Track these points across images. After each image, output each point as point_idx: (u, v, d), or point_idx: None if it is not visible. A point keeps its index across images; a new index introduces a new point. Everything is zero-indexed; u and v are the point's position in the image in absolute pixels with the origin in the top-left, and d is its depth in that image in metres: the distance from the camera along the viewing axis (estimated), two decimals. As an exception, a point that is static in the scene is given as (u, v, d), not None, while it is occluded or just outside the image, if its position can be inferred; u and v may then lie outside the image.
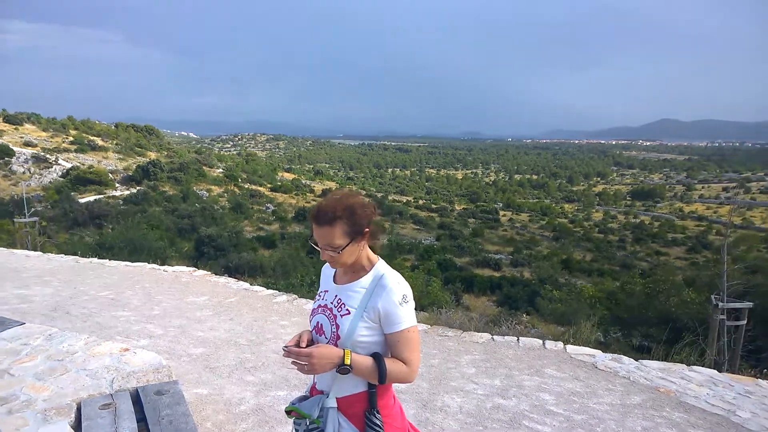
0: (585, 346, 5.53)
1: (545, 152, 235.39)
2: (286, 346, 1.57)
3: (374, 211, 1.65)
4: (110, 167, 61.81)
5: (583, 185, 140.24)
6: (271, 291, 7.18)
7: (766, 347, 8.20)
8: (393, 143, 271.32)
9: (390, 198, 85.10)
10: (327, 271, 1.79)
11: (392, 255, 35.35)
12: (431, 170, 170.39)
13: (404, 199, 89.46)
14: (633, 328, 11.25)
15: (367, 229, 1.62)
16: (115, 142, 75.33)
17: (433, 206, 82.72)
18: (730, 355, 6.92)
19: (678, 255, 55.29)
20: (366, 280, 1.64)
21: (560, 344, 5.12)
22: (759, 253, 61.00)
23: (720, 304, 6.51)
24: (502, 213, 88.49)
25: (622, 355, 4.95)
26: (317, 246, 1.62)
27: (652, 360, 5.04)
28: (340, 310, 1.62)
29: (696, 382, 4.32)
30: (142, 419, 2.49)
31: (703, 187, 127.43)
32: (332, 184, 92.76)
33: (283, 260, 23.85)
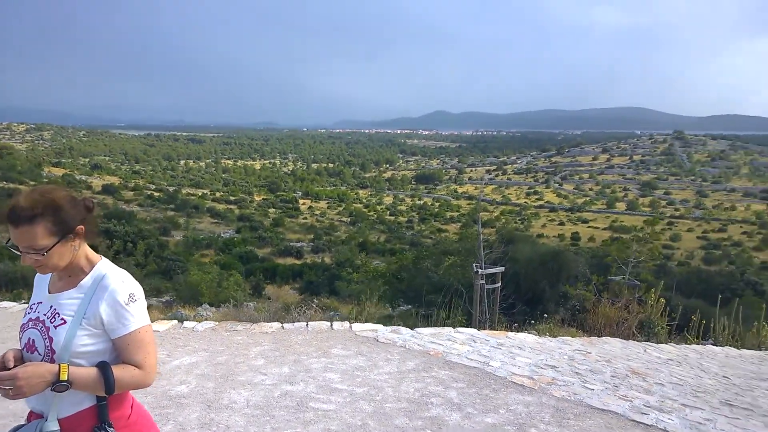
0: (370, 323, 5.91)
1: (339, 141, 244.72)
2: None
3: (90, 206, 1.48)
4: None
5: (374, 172, 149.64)
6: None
7: (517, 304, 9.78)
8: (185, 134, 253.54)
9: (184, 191, 79.57)
10: (41, 280, 1.55)
11: (188, 251, 33.25)
12: (228, 161, 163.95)
13: (200, 192, 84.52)
14: (417, 299, 12.43)
15: (80, 227, 1.44)
16: None
17: (232, 198, 79.88)
18: (490, 314, 8.10)
19: (455, 231, 62.62)
20: (85, 284, 1.47)
21: (347, 324, 5.37)
22: (515, 224, 72.39)
23: (479, 270, 7.54)
24: (301, 201, 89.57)
25: (400, 327, 5.40)
26: (17, 250, 1.39)
27: (427, 327, 5.62)
28: (53, 320, 1.42)
29: (459, 342, 4.93)
30: None
31: (471, 170, 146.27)
32: (115, 179, 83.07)
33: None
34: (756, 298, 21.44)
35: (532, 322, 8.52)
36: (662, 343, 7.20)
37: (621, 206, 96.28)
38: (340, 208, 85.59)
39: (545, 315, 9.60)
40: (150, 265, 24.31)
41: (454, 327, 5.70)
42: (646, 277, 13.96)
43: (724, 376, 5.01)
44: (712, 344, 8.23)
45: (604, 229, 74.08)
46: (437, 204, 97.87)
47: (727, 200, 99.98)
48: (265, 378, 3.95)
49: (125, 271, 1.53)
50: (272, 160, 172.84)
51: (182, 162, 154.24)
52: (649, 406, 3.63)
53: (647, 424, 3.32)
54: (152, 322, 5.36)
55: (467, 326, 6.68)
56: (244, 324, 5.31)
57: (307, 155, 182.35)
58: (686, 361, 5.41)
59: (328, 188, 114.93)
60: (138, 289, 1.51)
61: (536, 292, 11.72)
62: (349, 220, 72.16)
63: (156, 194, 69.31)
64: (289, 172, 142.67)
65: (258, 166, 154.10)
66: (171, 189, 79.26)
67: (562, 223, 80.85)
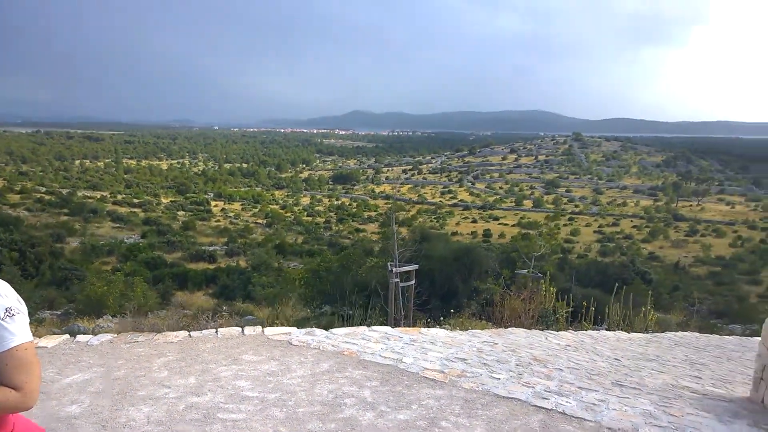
0: (285, 326, 5.80)
1: (254, 141, 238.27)
2: None
3: None
4: None
5: (290, 172, 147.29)
6: None
7: (432, 300, 10.03)
8: (80, 131, 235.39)
9: (80, 194, 73.89)
10: None
11: (87, 259, 30.99)
12: (130, 161, 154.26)
13: (98, 194, 78.81)
14: (336, 300, 12.42)
15: None
16: None
17: (136, 201, 75.28)
18: (406, 311, 8.24)
19: (373, 230, 63.14)
20: None
21: (259, 328, 5.23)
22: (431, 223, 74.22)
23: (394, 269, 7.65)
24: (213, 203, 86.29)
25: (315, 329, 5.35)
26: None
27: (342, 327, 5.61)
28: None
29: (374, 340, 4.96)
30: None
31: (388, 170, 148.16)
32: (-2, 182, 75.42)
33: None
34: (644, 286, 23.46)
35: (443, 318, 8.78)
36: (562, 330, 7.68)
37: (528, 204, 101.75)
38: (256, 210, 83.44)
39: (458, 309, 9.94)
40: (43, 275, 22.38)
41: (369, 326, 5.73)
42: (549, 269, 14.84)
43: (615, 359, 5.43)
44: (605, 329, 8.90)
45: (513, 225, 77.90)
46: (355, 204, 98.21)
47: (620, 197, 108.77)
48: (169, 391, 3.75)
49: (5, 283, 1.39)
50: (181, 160, 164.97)
51: (77, 162, 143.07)
52: (549, 391, 3.85)
53: (547, 408, 3.52)
54: (41, 337, 4.92)
55: (384, 325, 6.75)
56: (146, 335, 5.01)
57: (219, 155, 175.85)
58: (582, 347, 5.81)
59: (242, 189, 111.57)
60: (18, 303, 1.38)
61: (450, 287, 12.10)
62: (265, 221, 70.54)
63: (47, 197, 63.89)
64: (200, 172, 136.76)
65: (165, 166, 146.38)
66: (64, 191, 73.35)
67: (475, 221, 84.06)
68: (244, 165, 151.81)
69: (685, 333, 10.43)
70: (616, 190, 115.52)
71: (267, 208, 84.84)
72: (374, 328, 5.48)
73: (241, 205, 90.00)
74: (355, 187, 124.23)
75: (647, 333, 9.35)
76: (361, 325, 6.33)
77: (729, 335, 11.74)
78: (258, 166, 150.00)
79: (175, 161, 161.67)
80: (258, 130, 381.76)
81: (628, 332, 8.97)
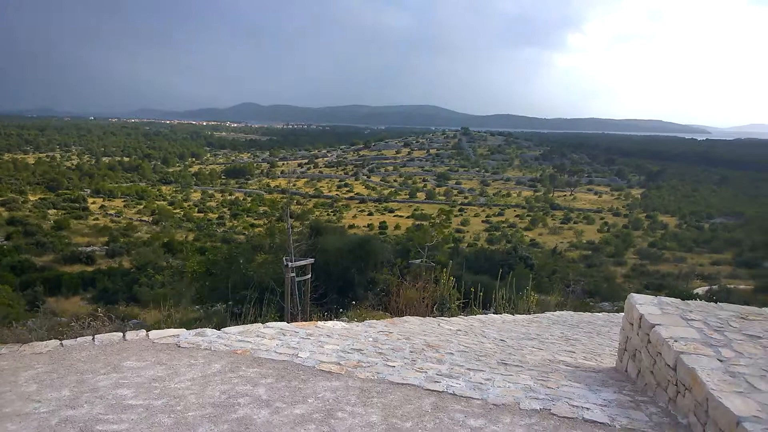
0: (173, 328, 5.49)
1: (135, 132, 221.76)
2: None
3: None
4: None
5: (179, 166, 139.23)
6: None
7: (329, 293, 10.04)
8: None
9: (-76, 193, 64.45)
10: None
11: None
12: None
13: (-51, 192, 69.25)
14: (229, 298, 11.98)
15: None
16: None
17: (-4, 199, 67.20)
18: (302, 306, 8.17)
19: (269, 225, 61.72)
20: None
21: (143, 332, 4.91)
22: (328, 216, 74.10)
23: (289, 264, 7.54)
24: (91, 200, 79.42)
25: (206, 329, 5.13)
26: None
27: (235, 326, 5.43)
28: None
29: (269, 337, 4.87)
30: None
31: (283, 164, 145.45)
32: None
33: None
34: (527, 270, 25.26)
35: (341, 310, 8.83)
36: (454, 316, 8.06)
37: (421, 196, 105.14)
38: (141, 207, 78.00)
39: (356, 301, 10.05)
40: None
41: (264, 323, 5.60)
42: (441, 258, 15.47)
43: (501, 340, 5.81)
44: (493, 313, 9.48)
45: (408, 217, 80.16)
46: (249, 198, 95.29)
47: (504, 188, 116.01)
48: (39, 405, 3.41)
49: None
50: (51, 153, 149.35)
51: None
52: (441, 375, 4.03)
53: (439, 391, 3.68)
54: None
55: (281, 321, 6.64)
56: (9, 346, 4.50)
57: (97, 148, 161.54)
58: (472, 330, 6.14)
59: (125, 185, 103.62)
60: None
61: (347, 279, 12.17)
62: (151, 219, 66.20)
63: None
64: (74, 166, 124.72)
65: (32, 160, 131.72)
66: None
67: (371, 213, 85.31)
68: (126, 159, 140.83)
69: (562, 312, 11.39)
70: (501, 182, 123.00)
71: (153, 204, 79.66)
72: (269, 324, 5.37)
73: (124, 201, 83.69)
74: (250, 182, 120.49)
75: (529, 314, 10.09)
76: (255, 322, 6.17)
77: (599, 312, 13.05)
78: (142, 159, 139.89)
79: (44, 155, 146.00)
80: (140, 121, 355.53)
81: (513, 314, 9.62)
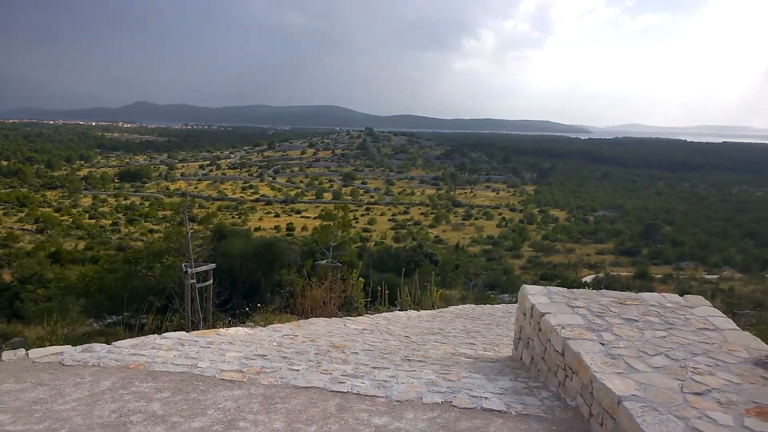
0: (56, 345, 5.02)
1: (14, 134, 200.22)
2: None
3: None
4: None
5: (65, 169, 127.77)
6: None
7: (234, 298, 9.70)
8: None
9: None
10: None
11: None
12: None
13: None
14: (124, 310, 11.19)
15: None
16: None
17: None
18: (204, 313, 7.82)
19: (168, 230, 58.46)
20: None
21: (22, 351, 4.44)
22: (233, 219, 71.69)
23: (189, 270, 7.19)
24: (-41, 209, 70.72)
25: (94, 344, 4.74)
26: None
27: (128, 339, 5.07)
28: None
29: (165, 348, 4.59)
30: None
31: (183, 166, 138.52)
32: None
33: None
34: (432, 266, 26.05)
35: (247, 315, 8.57)
36: (361, 315, 8.11)
37: (328, 196, 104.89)
38: (22, 214, 70.72)
39: (263, 305, 9.79)
40: None
41: (160, 333, 5.28)
42: (349, 258, 15.52)
43: (405, 336, 5.93)
44: (398, 310, 9.66)
45: (315, 218, 79.61)
46: (147, 203, 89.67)
47: (408, 187, 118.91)
48: None
49: None
50: None
51: None
52: (346, 375, 4.03)
53: (344, 392, 3.67)
54: None
55: (182, 330, 6.30)
56: None
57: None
58: (377, 328, 6.21)
59: (3, 191, 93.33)
60: None
61: (252, 283, 11.84)
62: (35, 227, 60.27)
63: None
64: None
65: None
66: None
67: (278, 215, 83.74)
68: (4, 162, 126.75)
69: (464, 305, 11.86)
70: (406, 181, 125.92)
71: (37, 211, 72.54)
72: (166, 335, 5.07)
73: (3, 209, 75.42)
74: (147, 185, 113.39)
75: (434, 309, 10.40)
76: (156, 333, 5.81)
77: (499, 304, 13.74)
78: (22, 163, 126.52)
79: None
80: (19, 121, 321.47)
81: (418, 310, 9.87)
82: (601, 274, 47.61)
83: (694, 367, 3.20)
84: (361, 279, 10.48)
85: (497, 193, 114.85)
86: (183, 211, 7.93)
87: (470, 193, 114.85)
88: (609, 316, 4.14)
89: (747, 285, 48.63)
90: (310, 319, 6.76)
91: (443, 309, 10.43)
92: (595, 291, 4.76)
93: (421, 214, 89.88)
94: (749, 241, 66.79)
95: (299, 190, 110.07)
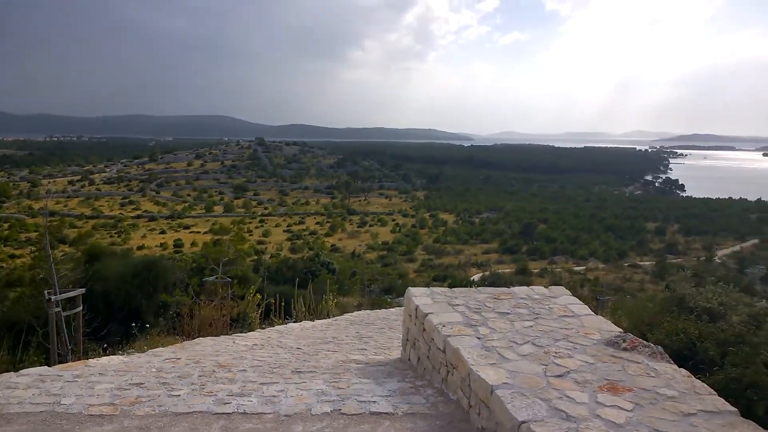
0: None
1: None
2: None
3: None
4: None
5: None
6: None
7: (110, 324, 8.95)
8: None
9: None
10: None
11: None
12: None
13: None
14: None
15: None
16: None
17: None
18: (74, 343, 7.13)
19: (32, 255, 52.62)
20: None
21: None
22: (112, 238, 66.30)
23: (53, 297, 6.52)
24: None
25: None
26: None
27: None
28: None
29: (23, 387, 4.12)
30: None
31: (49, 182, 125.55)
32: None
33: None
34: (329, 275, 25.98)
35: (127, 341, 7.95)
36: (253, 331, 7.88)
37: (219, 209, 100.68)
38: None
39: (144, 330, 9.13)
40: None
41: (17, 371, 4.73)
42: (242, 273, 15.01)
43: (297, 348, 5.85)
44: (293, 322, 9.52)
45: (206, 232, 75.98)
46: (6, 224, 79.96)
47: (303, 196, 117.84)
48: None
49: None
50: None
51: None
52: (232, 395, 3.88)
53: (228, 413, 3.53)
54: None
55: (45, 365, 5.68)
56: None
57: None
58: (269, 343, 6.06)
59: None
60: None
61: (132, 307, 10.99)
62: None
63: None
64: None
65: None
66: None
67: (164, 232, 78.77)
68: None
69: (359, 312, 11.97)
70: (300, 191, 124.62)
71: None
72: (24, 372, 4.55)
73: None
74: (5, 205, 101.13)
75: (329, 318, 10.38)
76: (10, 371, 5.18)
77: (395, 308, 14.02)
78: None
79: None
80: None
81: (313, 320, 9.79)
82: (487, 273, 50.51)
83: (555, 352, 3.50)
84: (252, 292, 10.18)
85: (390, 200, 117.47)
86: (44, 232, 7.18)
87: (364, 200, 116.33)
88: (485, 311, 4.40)
89: (609, 273, 54.29)
90: (196, 340, 6.44)
91: (339, 317, 10.45)
92: (473, 289, 5.04)
93: (317, 223, 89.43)
94: (610, 235, 74.51)
95: (186, 204, 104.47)
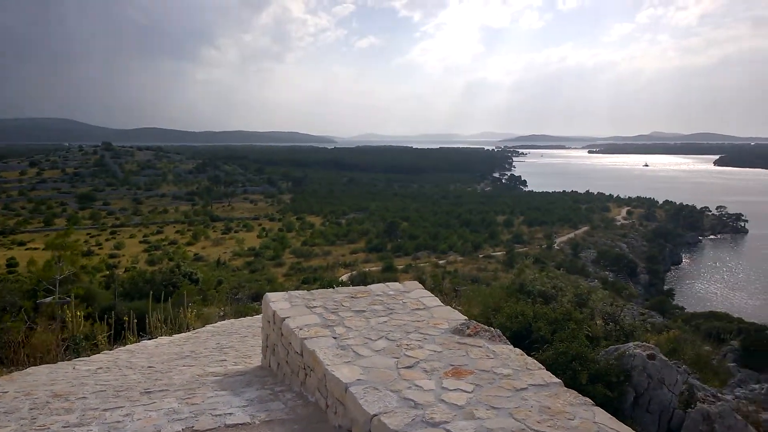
0: None
1: None
2: None
3: None
4: None
5: None
6: None
7: None
8: None
9: None
10: None
11: None
12: None
13: None
14: None
15: None
16: None
17: None
18: None
19: None
20: None
21: None
22: None
23: None
24: None
25: None
26: None
27: None
28: None
29: None
30: None
31: None
32: None
33: None
34: (192, 286, 24.55)
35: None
36: (102, 353, 7.19)
37: (61, 222, 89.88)
38: None
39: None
40: None
41: None
42: (90, 290, 13.61)
43: (149, 366, 5.46)
44: (148, 339, 8.86)
45: (45, 249, 67.40)
46: None
47: (160, 204, 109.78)
48: None
49: None
50: None
51: None
52: (68, 426, 3.52)
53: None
54: None
55: None
56: None
57: None
58: (116, 364, 5.58)
59: None
60: None
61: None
62: None
63: None
64: None
65: None
66: None
67: (-10, 250, 68.42)
68: None
69: (223, 322, 11.50)
70: (156, 198, 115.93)
71: None
72: None
73: None
74: None
75: (189, 331, 9.82)
76: None
77: (260, 315, 13.67)
78: None
79: None
80: None
81: (171, 335, 9.19)
82: (355, 272, 51.42)
83: (407, 344, 3.70)
84: (96, 311, 9.28)
85: (255, 205, 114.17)
86: None
87: (228, 206, 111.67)
88: (342, 310, 4.49)
89: (466, 265, 58.42)
90: (27, 370, 5.72)
91: (200, 329, 9.93)
92: (331, 289, 5.11)
93: (177, 232, 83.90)
94: (465, 229, 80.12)
95: (21, 218, 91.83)
